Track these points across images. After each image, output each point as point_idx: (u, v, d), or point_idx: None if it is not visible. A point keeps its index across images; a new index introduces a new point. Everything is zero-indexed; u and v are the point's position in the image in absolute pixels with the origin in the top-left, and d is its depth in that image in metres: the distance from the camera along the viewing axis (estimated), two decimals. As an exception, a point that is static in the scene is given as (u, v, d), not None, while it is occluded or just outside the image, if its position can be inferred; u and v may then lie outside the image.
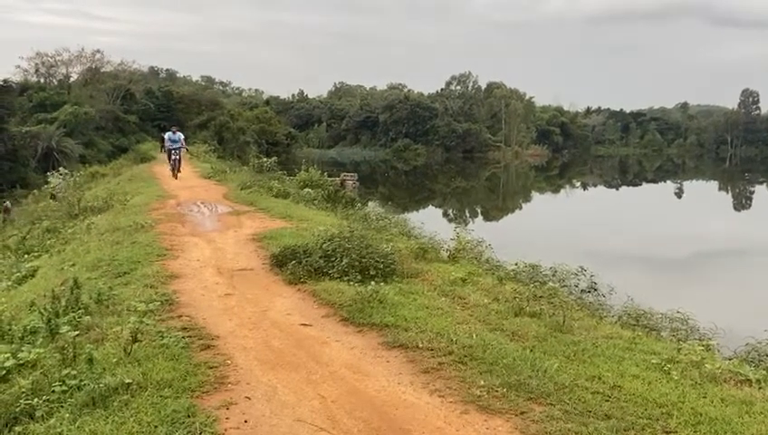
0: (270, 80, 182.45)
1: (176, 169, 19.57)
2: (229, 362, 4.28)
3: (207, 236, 9.43)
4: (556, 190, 45.54)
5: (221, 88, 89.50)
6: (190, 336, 4.70)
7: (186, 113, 58.97)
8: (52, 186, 24.03)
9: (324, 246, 6.90)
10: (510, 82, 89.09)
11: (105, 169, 30.79)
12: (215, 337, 4.76)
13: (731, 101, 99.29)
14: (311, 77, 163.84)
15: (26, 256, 11.09)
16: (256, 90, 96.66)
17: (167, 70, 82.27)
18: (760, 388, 4.24)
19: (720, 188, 47.41)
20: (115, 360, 4.07)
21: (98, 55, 50.70)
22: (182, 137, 20.20)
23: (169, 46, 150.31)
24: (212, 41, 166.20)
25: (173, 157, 19.68)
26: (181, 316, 5.28)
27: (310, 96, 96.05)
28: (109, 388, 3.59)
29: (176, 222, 10.77)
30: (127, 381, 3.69)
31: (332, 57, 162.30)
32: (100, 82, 50.30)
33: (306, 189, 17.49)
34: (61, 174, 15.55)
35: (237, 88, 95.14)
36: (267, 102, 76.24)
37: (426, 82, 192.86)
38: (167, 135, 20.72)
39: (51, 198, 22.42)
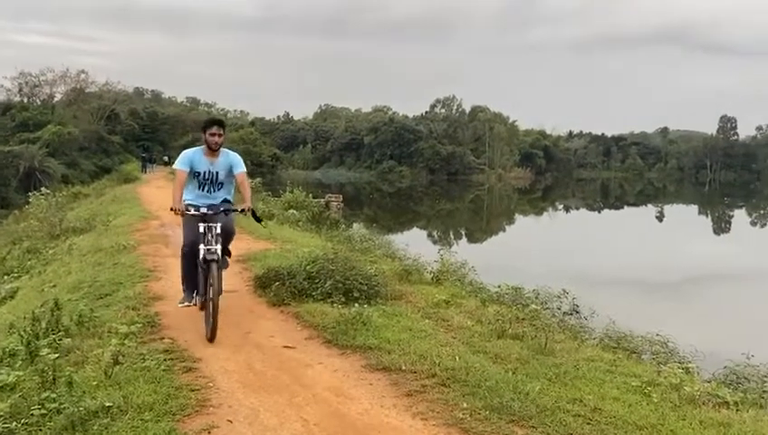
0: (255, 101, 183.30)
1: (212, 320, 5.09)
2: (211, 384, 4.26)
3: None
4: (539, 213, 45.90)
5: (206, 109, 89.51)
6: (172, 359, 4.66)
7: (170, 134, 59.06)
8: None
9: (308, 267, 6.90)
10: (494, 106, 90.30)
11: (88, 189, 30.56)
12: (197, 360, 4.73)
13: (710, 127, 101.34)
14: (296, 99, 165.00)
15: (6, 277, 10.95)
16: (242, 111, 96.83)
17: (152, 91, 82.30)
18: (737, 410, 4.30)
19: (700, 212, 48.07)
20: (95, 383, 4.03)
21: (82, 76, 50.59)
22: (237, 164, 5.81)
23: (155, 67, 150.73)
24: (198, 62, 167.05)
25: (210, 255, 5.26)
26: (163, 338, 5.24)
27: (295, 118, 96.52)
28: (89, 411, 3.54)
29: (159, 243, 10.70)
30: (107, 404, 3.65)
31: (318, 79, 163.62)
32: (84, 103, 50.09)
33: (291, 211, 17.49)
34: (42, 194, 15.42)
35: (222, 109, 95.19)
36: (252, 124, 76.48)
37: (410, 105, 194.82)
38: (188, 156, 5.72)
39: None
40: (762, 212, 47.68)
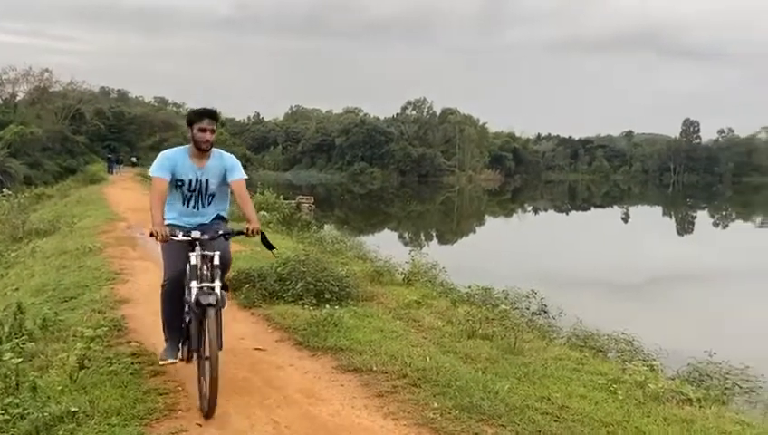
0: (225, 102, 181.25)
1: (209, 387, 3.66)
2: (180, 388, 4.20)
3: (158, 259, 9.25)
4: (509, 214, 46.39)
5: (175, 109, 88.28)
6: (140, 362, 4.59)
7: (138, 134, 58.17)
8: None
9: (279, 269, 6.88)
10: (464, 108, 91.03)
11: (52, 190, 29.89)
12: (165, 363, 4.66)
13: (673, 130, 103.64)
14: (267, 100, 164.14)
15: (-35, 280, 10.64)
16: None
17: (118, 90, 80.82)
18: (700, 407, 4.42)
19: (664, 214, 49.14)
20: (60, 387, 3.95)
21: (46, 74, 49.51)
22: (233, 168, 4.33)
23: (125, 66, 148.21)
24: (169, 62, 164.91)
25: (206, 297, 3.80)
26: (131, 342, 5.16)
27: (266, 118, 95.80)
28: (54, 417, 3.47)
29: (126, 245, 10.55)
30: (73, 409, 3.58)
31: (289, 80, 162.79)
32: (47, 102, 49.05)
33: (261, 212, 17.33)
34: (3, 195, 14.99)
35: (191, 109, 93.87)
36: (222, 124, 75.49)
37: (382, 107, 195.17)
38: (168, 159, 4.23)
39: None
40: (723, 214, 48.95)
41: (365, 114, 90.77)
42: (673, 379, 5.32)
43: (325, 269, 6.89)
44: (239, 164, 4.37)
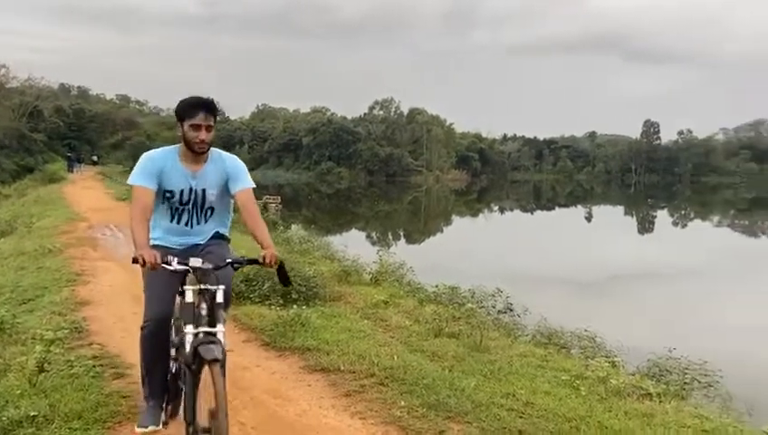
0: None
1: None
2: (144, 390, 4.13)
3: (121, 260, 9.08)
4: (475, 214, 46.79)
5: (137, 107, 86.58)
6: (102, 365, 4.50)
7: (99, 133, 56.95)
8: None
9: (245, 270, 6.82)
10: (431, 109, 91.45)
11: (8, 189, 29.12)
12: (129, 365, 4.58)
13: (635, 131, 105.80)
14: (233, 98, 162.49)
15: None
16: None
17: (78, 87, 78.94)
18: (660, 401, 4.54)
19: (626, 213, 50.17)
20: (19, 392, 3.85)
21: (3, 70, 48.04)
22: (238, 174, 3.33)
23: (85, 64, 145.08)
24: (130, 59, 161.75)
25: (210, 350, 2.75)
26: (92, 344, 5.06)
27: (232, 117, 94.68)
28: (12, 421, 3.39)
29: (87, 246, 10.33)
30: (32, 413, 3.49)
31: (256, 79, 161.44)
32: (4, 99, 47.58)
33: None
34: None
35: (155, 107, 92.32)
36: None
37: (349, 107, 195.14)
38: (153, 163, 3.25)
39: None
40: (683, 213, 50.24)
41: (332, 114, 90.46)
42: (634, 374, 5.45)
43: (292, 269, 6.85)
44: (245, 168, 3.37)
